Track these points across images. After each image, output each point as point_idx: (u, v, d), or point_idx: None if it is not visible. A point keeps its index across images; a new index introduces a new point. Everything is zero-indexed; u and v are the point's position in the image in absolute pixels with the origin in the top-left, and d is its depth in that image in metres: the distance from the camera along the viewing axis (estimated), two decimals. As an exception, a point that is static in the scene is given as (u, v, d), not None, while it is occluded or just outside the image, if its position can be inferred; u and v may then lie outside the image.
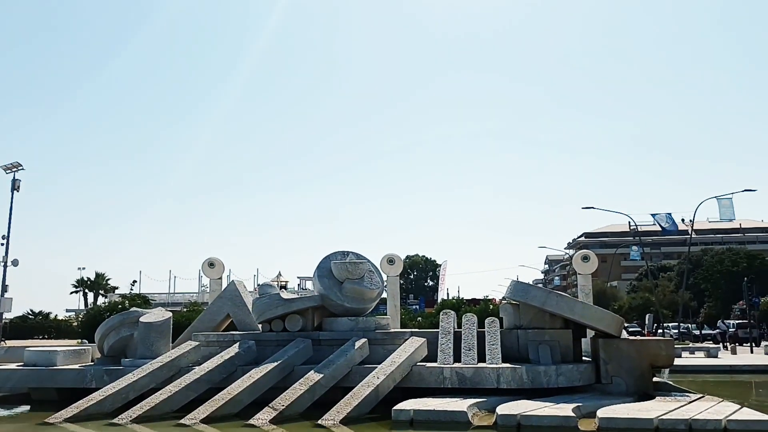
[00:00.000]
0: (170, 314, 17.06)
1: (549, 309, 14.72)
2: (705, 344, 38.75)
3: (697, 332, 53.36)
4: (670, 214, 49.45)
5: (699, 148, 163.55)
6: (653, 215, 50.18)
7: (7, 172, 44.58)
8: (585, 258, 19.93)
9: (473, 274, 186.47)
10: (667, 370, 15.79)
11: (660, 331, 49.91)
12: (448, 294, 69.25)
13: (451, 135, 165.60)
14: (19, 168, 44.70)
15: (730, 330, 47.68)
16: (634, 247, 68.55)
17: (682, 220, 60.44)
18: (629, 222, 55.88)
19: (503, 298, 18.12)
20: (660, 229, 52.75)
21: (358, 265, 16.22)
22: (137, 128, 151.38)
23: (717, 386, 18.68)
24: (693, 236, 50.84)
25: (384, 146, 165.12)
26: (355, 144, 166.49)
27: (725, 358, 28.91)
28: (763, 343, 37.28)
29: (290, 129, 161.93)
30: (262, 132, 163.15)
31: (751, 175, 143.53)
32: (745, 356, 30.75)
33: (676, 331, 48.14)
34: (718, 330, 49.94)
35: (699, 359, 27.99)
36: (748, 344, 37.18)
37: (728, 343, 37.70)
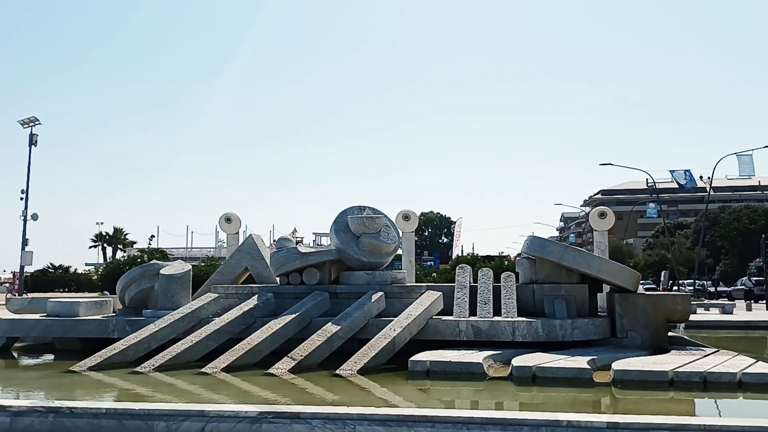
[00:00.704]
0: (190, 266, 17.24)
1: (566, 264, 14.69)
2: (720, 301, 38.69)
3: (712, 289, 53.25)
4: (689, 170, 48.92)
5: (719, 108, 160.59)
6: (671, 172, 49.65)
7: (25, 126, 44.85)
8: (602, 214, 19.80)
9: (488, 231, 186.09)
10: (682, 325, 15.78)
11: (675, 288, 49.92)
12: (462, 251, 69.28)
13: (466, 94, 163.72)
14: (36, 123, 44.93)
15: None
16: (651, 204, 68.10)
17: (701, 177, 59.82)
18: (647, 179, 55.42)
19: (519, 253, 18.12)
20: (677, 186, 52.25)
21: (374, 219, 16.23)
22: (157, 84, 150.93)
23: (732, 341, 18.71)
24: (711, 193, 50.35)
25: (401, 108, 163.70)
26: (373, 106, 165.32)
27: (740, 314, 28.91)
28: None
29: (309, 90, 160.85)
30: (280, 92, 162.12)
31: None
32: (760, 312, 30.75)
33: (692, 288, 48.07)
34: (743, 287, 49.29)
35: (714, 315, 28.02)
36: (764, 301, 37.12)
37: (752, 302, 37.55)
